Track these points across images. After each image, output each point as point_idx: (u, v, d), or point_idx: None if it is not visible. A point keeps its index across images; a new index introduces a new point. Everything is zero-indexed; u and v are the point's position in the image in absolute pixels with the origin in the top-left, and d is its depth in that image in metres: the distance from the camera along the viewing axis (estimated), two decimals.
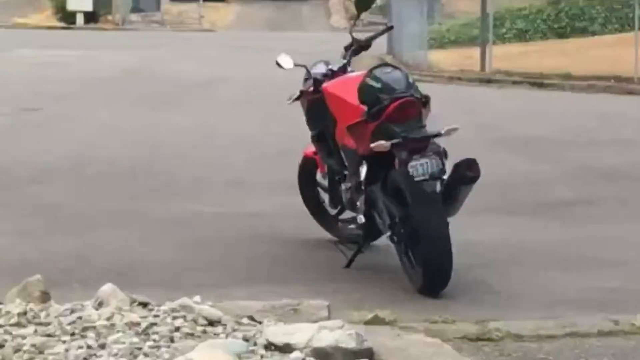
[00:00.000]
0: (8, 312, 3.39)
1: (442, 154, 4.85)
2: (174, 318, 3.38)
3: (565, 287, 4.97)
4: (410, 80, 5.17)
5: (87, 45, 21.75)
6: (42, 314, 3.41)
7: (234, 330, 3.39)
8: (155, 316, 3.40)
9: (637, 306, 4.40)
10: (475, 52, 19.10)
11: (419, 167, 4.72)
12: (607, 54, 17.80)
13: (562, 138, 10.33)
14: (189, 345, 3.17)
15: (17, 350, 3.13)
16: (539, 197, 7.44)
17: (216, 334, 3.34)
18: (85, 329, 3.30)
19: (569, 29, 24.18)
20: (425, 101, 5.08)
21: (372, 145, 4.88)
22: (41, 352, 3.13)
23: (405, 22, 20.67)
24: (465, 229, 5.34)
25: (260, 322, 3.48)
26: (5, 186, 7.11)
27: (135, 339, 3.20)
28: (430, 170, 4.73)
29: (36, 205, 6.57)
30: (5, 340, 3.20)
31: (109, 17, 26.32)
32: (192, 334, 3.31)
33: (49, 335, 3.26)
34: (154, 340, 3.21)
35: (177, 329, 3.31)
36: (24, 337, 3.22)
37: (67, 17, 25.12)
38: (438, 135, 4.96)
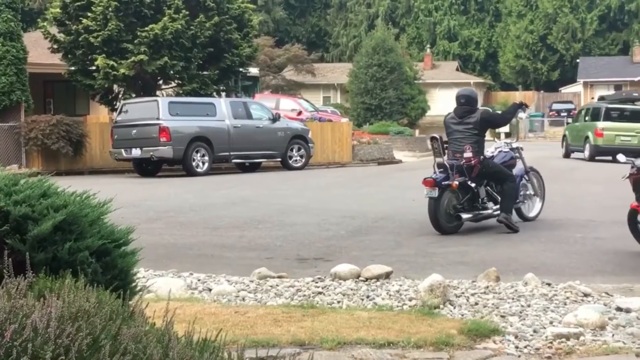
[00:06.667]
0: (478, 286, 6.64)
1: None
2: (565, 291, 6.39)
3: None
4: None
5: None
6: (497, 289, 6.59)
7: (598, 299, 6.32)
8: (555, 290, 6.45)
9: None
10: None
11: None
12: None
13: None
14: (574, 307, 6.14)
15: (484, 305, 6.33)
16: None
17: (588, 302, 6.29)
18: (519, 297, 6.42)
19: None
20: None
21: None
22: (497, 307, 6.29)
23: None
24: None
25: (612, 295, 6.38)
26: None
27: (545, 302, 6.25)
28: None
29: None
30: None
31: None
32: (575, 301, 6.28)
33: (500, 299, 6.41)
34: (556, 303, 6.24)
35: (567, 297, 6.31)
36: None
37: None
38: None
